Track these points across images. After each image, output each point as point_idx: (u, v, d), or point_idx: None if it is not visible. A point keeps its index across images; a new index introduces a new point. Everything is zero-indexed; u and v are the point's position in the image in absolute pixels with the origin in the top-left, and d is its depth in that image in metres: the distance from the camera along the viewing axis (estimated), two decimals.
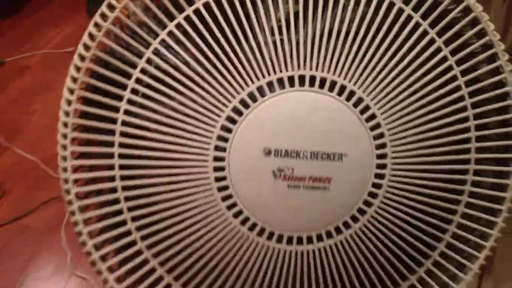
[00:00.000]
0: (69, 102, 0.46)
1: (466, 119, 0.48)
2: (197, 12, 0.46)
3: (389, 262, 0.50)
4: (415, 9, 0.47)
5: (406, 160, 0.48)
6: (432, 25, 0.47)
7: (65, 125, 0.46)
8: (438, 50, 0.47)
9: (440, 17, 0.47)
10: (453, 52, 0.47)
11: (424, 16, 0.47)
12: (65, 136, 0.46)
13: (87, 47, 0.46)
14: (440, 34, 0.47)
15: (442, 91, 0.48)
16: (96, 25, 0.46)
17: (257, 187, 0.46)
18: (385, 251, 0.49)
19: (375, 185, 0.48)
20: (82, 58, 0.46)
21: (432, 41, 0.47)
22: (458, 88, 0.48)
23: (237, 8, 0.45)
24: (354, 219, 0.48)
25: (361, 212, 0.48)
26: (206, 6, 0.46)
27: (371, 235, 0.48)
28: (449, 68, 0.48)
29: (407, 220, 0.49)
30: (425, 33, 0.47)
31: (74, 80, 0.46)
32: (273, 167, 0.46)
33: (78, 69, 0.46)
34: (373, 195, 0.48)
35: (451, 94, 0.48)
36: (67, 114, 0.46)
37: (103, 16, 0.46)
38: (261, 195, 0.46)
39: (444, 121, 0.48)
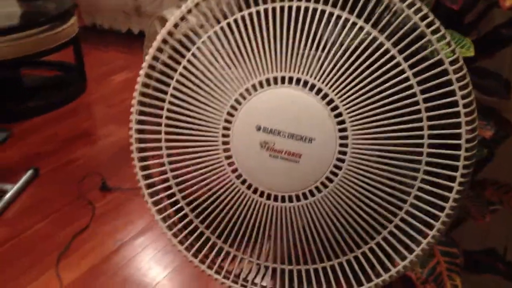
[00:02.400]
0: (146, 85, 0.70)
1: (416, 103, 0.60)
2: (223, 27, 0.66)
3: (350, 225, 0.64)
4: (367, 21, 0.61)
5: (364, 142, 0.62)
6: (384, 32, 0.61)
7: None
8: (386, 51, 0.60)
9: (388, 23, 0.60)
10: (401, 51, 0.60)
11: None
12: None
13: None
14: (388, 38, 0.60)
15: (393, 85, 0.60)
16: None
17: (249, 154, 0.64)
18: (348, 214, 0.63)
19: (339, 160, 0.62)
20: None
21: (384, 49, 0.61)
22: (405, 77, 0.60)
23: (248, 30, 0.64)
24: (323, 186, 0.63)
25: (328, 180, 0.63)
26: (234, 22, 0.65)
27: (334, 202, 0.63)
28: (397, 64, 0.60)
29: (366, 192, 0.62)
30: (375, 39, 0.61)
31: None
32: (260, 140, 0.64)
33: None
34: (337, 167, 0.63)
35: (400, 84, 0.60)
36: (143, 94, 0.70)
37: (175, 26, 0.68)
38: (251, 160, 0.64)
39: (397, 106, 0.61)
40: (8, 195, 1.95)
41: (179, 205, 0.70)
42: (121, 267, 1.66)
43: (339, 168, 0.63)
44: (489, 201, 0.99)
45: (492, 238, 1.28)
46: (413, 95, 0.60)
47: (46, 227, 1.84)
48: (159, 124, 0.69)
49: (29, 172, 2.07)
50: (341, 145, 0.62)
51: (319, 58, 0.62)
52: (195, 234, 0.71)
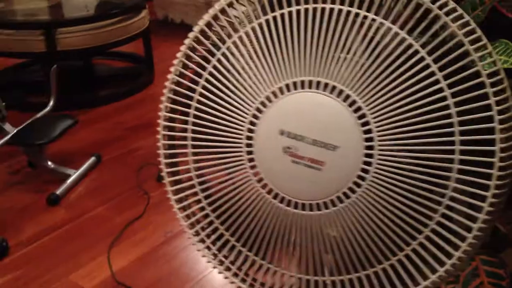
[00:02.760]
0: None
1: (446, 107, 0.56)
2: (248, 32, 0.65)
3: (378, 235, 0.61)
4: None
5: (391, 154, 0.59)
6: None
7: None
8: (421, 59, 0.57)
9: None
10: (431, 52, 0.56)
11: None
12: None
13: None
14: (423, 46, 0.57)
15: (425, 96, 0.57)
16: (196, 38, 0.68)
17: (271, 158, 0.63)
18: (373, 225, 0.60)
19: (363, 170, 0.60)
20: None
21: (419, 58, 0.57)
22: (439, 88, 0.56)
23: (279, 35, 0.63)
24: (345, 196, 0.61)
25: (351, 191, 0.60)
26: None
27: (361, 211, 0.60)
28: (432, 74, 0.57)
29: (396, 198, 0.59)
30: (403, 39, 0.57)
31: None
32: (283, 144, 0.62)
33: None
34: (361, 178, 0.60)
35: (433, 95, 0.56)
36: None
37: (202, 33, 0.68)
38: (273, 165, 0.63)
39: (428, 118, 0.57)
40: (70, 180, 2.03)
41: (201, 205, 0.70)
42: (169, 259, 1.69)
43: (363, 179, 0.60)
44: None
45: None
46: (446, 107, 0.56)
47: (103, 213, 1.90)
48: (187, 123, 0.69)
49: (92, 159, 2.15)
50: (367, 155, 0.60)
51: (349, 63, 0.60)
52: (216, 235, 0.70)
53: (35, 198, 2.07)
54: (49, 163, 2.14)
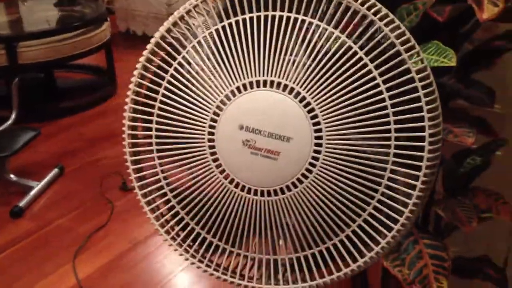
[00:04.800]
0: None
1: (382, 100, 0.64)
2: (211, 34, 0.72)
3: (328, 215, 0.68)
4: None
5: (337, 142, 0.66)
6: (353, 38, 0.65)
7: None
8: (359, 60, 0.65)
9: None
10: (367, 53, 0.64)
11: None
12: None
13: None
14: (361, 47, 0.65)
15: (364, 91, 0.65)
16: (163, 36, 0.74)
17: (232, 151, 0.70)
18: (324, 206, 0.68)
19: (314, 158, 0.67)
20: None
21: (357, 58, 0.65)
22: (375, 84, 0.64)
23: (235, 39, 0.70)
24: (299, 182, 0.68)
25: (304, 177, 0.68)
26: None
27: (310, 196, 0.68)
28: (373, 78, 0.65)
29: (339, 184, 0.67)
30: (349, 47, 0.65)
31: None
32: (242, 138, 0.69)
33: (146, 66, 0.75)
34: (312, 165, 0.67)
35: (372, 97, 0.65)
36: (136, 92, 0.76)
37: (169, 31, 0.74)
38: (234, 157, 0.70)
39: (367, 110, 0.65)
40: (33, 192, 2.05)
41: (170, 204, 0.76)
42: (134, 265, 1.73)
43: (314, 165, 0.67)
44: (481, 209, 1.01)
45: (494, 250, 1.29)
46: (382, 100, 0.64)
47: (67, 223, 1.92)
48: (150, 129, 0.75)
49: (55, 170, 2.17)
50: (316, 144, 0.67)
51: (297, 64, 0.67)
52: (186, 230, 0.76)
53: None
54: (12, 175, 2.15)
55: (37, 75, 2.65)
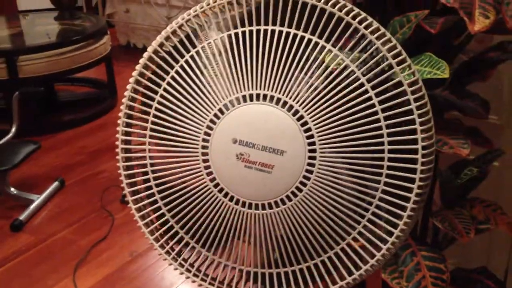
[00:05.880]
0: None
1: (375, 113, 0.64)
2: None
3: (323, 228, 0.68)
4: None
5: (331, 155, 0.66)
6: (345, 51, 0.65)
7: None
8: (351, 73, 0.65)
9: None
10: (360, 66, 0.64)
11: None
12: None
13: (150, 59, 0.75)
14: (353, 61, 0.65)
15: (356, 104, 0.65)
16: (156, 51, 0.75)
17: (226, 165, 0.70)
18: (318, 219, 0.68)
19: (307, 171, 0.67)
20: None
21: (349, 71, 0.66)
22: (368, 97, 0.65)
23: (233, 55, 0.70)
24: (293, 195, 0.68)
25: (298, 190, 0.68)
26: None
27: (307, 207, 0.68)
28: (365, 91, 0.65)
29: (334, 197, 0.67)
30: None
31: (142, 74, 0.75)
32: (236, 152, 0.69)
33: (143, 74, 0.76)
34: (306, 178, 0.67)
35: (365, 110, 0.65)
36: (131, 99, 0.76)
37: (161, 46, 0.75)
38: (228, 171, 0.70)
39: (360, 123, 0.65)
40: (33, 205, 2.05)
41: (165, 218, 0.76)
42: (135, 277, 1.73)
43: (308, 178, 0.67)
44: (479, 220, 1.01)
45: (493, 261, 1.29)
46: (375, 113, 0.65)
47: (67, 236, 1.93)
48: (144, 136, 0.75)
49: (55, 183, 2.17)
50: (310, 157, 0.67)
51: (290, 78, 0.67)
52: (181, 245, 0.76)
53: None
54: (12, 189, 2.15)
55: (38, 89, 2.66)
